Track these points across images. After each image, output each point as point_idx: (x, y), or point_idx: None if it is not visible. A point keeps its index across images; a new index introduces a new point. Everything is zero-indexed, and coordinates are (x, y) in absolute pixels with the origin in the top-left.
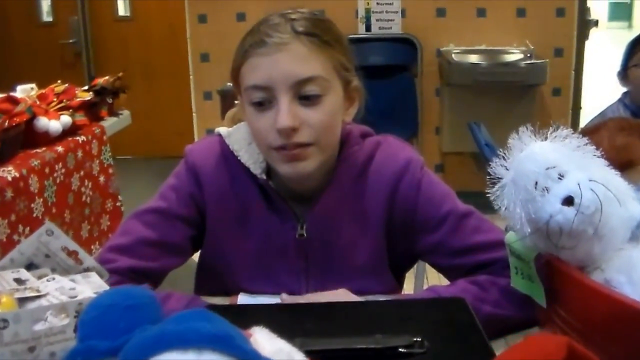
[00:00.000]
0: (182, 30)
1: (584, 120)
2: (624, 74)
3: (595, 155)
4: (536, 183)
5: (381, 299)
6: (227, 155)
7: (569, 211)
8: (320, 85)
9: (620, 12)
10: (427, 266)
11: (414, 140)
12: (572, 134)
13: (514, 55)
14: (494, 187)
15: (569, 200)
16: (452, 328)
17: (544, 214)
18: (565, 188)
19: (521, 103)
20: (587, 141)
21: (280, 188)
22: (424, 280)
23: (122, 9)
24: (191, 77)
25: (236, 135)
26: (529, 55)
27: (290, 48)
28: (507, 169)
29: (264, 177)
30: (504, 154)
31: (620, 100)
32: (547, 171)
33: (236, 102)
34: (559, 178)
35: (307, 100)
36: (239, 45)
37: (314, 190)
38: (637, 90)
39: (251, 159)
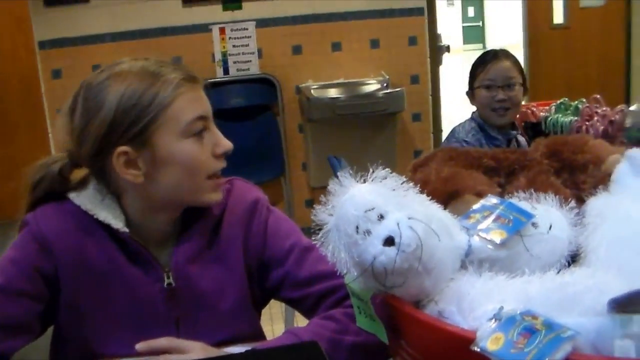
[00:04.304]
0: (37, 86)
1: None
2: (472, 94)
3: (415, 192)
4: (357, 227)
5: (238, 352)
6: (76, 217)
7: (391, 251)
8: None
9: (474, 35)
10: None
11: (282, 177)
12: (391, 174)
13: (372, 86)
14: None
15: (389, 241)
16: None
17: (368, 255)
18: (385, 228)
19: (384, 131)
20: (404, 179)
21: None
22: (293, 322)
23: None
24: (50, 133)
25: (86, 194)
26: (385, 84)
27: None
28: (331, 215)
29: (127, 230)
30: (326, 200)
31: (471, 117)
32: (366, 214)
33: None
34: (379, 219)
35: None
36: (144, 97)
37: (167, 239)
38: (483, 108)
39: (109, 214)
